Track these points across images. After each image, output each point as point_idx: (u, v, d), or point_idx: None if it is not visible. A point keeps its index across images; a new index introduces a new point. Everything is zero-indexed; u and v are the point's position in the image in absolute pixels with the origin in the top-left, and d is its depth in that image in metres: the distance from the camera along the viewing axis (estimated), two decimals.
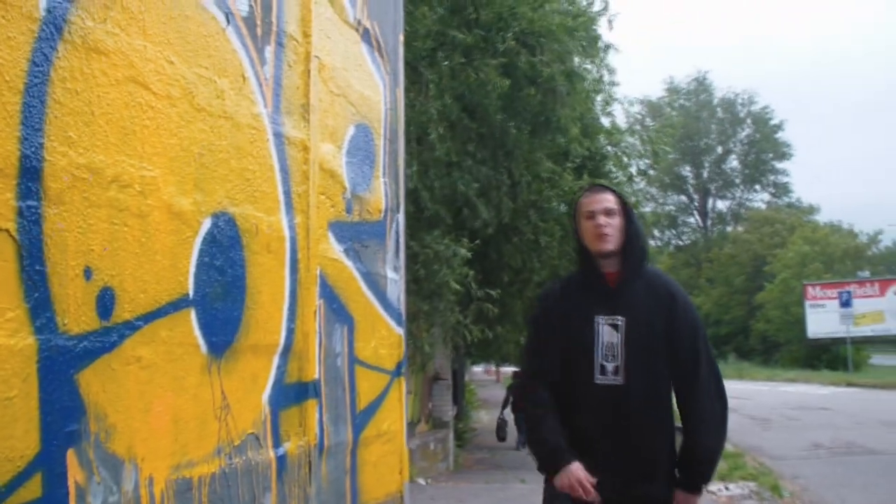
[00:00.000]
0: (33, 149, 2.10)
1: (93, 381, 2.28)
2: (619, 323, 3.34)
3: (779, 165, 66.60)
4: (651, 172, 18.75)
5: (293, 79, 3.53)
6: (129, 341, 2.44)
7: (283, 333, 3.35)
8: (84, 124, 2.28)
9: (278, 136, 3.38)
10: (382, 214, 4.48)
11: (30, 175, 2.08)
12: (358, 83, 4.23)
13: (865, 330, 42.00)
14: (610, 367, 3.32)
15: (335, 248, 3.87)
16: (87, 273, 2.28)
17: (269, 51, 3.34)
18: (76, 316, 2.23)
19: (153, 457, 2.53)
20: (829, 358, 42.96)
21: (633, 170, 17.67)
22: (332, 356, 3.79)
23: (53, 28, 2.18)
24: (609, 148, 17.19)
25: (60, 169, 2.18)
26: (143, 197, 2.52)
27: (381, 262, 4.44)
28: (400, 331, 4.67)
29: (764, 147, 65.82)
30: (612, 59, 15.74)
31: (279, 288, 3.34)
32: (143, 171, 2.52)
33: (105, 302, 2.35)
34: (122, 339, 2.41)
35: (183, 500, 2.66)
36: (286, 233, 3.40)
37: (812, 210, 63.41)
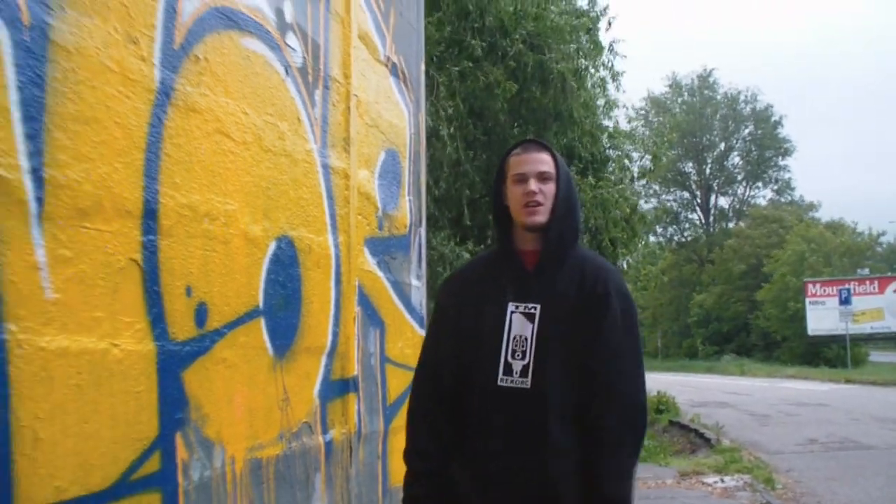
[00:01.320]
0: (152, 194, 2.65)
1: (192, 379, 2.84)
2: (534, 311, 2.75)
3: (781, 162, 66.70)
4: (651, 169, 19.13)
5: (336, 116, 4.08)
6: (218, 346, 3.00)
7: (330, 337, 3.91)
8: (185, 171, 2.83)
9: (325, 167, 3.93)
10: (407, 229, 5.02)
11: (149, 215, 2.64)
12: (387, 113, 4.77)
13: (865, 327, 42.37)
14: (517, 366, 2.72)
15: (370, 261, 4.42)
16: (188, 291, 2.84)
17: (318, 94, 3.89)
18: (180, 326, 2.79)
19: (234, 440, 3.08)
20: (829, 355, 43.29)
21: (636, 171, 18.17)
22: (367, 356, 4.35)
23: (164, 96, 2.73)
24: (611, 151, 17.68)
25: (169, 209, 2.74)
26: (227, 227, 3.07)
27: (406, 271, 4.99)
28: (422, 332, 5.21)
29: (766, 144, 65.84)
30: (615, 57, 16.20)
31: (326, 298, 3.89)
32: (227, 205, 3.08)
33: (200, 314, 2.90)
34: (213, 344, 2.97)
35: (255, 476, 3.22)
36: (332, 250, 3.95)
37: (812, 207, 63.50)
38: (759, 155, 66.45)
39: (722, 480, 10.67)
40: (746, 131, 67.48)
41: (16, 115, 2.11)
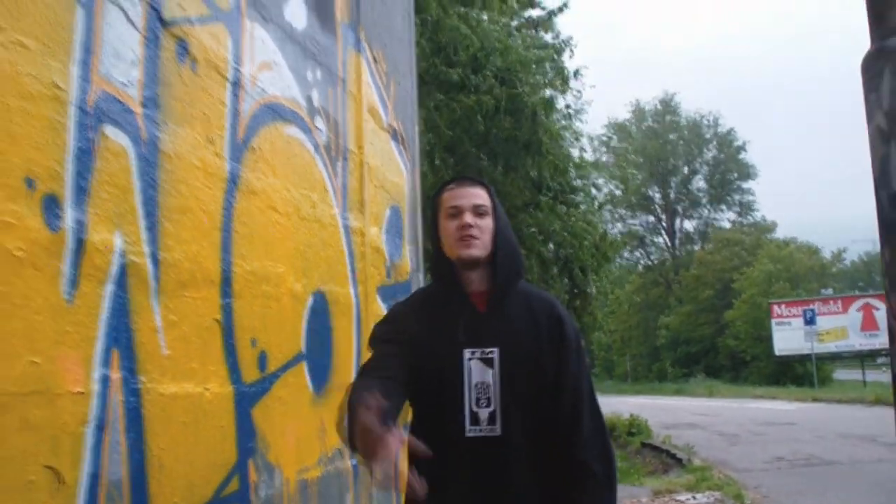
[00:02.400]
0: (227, 265, 3.26)
1: (258, 414, 3.44)
2: (493, 356, 2.64)
3: (744, 185, 67.40)
4: (618, 193, 19.85)
5: (353, 183, 4.70)
6: (275, 386, 3.61)
7: (353, 374, 4.51)
8: (248, 243, 3.44)
9: (346, 228, 4.55)
10: (409, 275, 5.64)
11: (226, 282, 3.24)
12: (390, 174, 5.40)
13: (830, 346, 43.02)
14: (484, 414, 2.62)
15: (381, 307, 5.03)
16: (253, 342, 3.44)
17: (339, 165, 4.51)
18: (249, 371, 3.39)
19: (287, 464, 3.68)
20: (796, 374, 43.98)
21: (602, 197, 18.89)
22: None
23: (233, 183, 3.34)
24: (578, 181, 18.36)
25: (239, 276, 3.34)
26: (277, 287, 3.68)
27: None
28: None
29: (729, 167, 66.53)
30: (582, 84, 17.03)
31: (350, 341, 4.51)
32: (277, 268, 3.69)
33: (262, 361, 3.51)
34: (271, 385, 3.58)
35: (303, 495, 3.82)
36: (353, 300, 4.57)
37: (771, 227, 64.08)
38: (722, 178, 67.10)
39: (694, 497, 11.07)
40: (710, 155, 68.07)
41: (140, 212, 2.72)
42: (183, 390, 2.90)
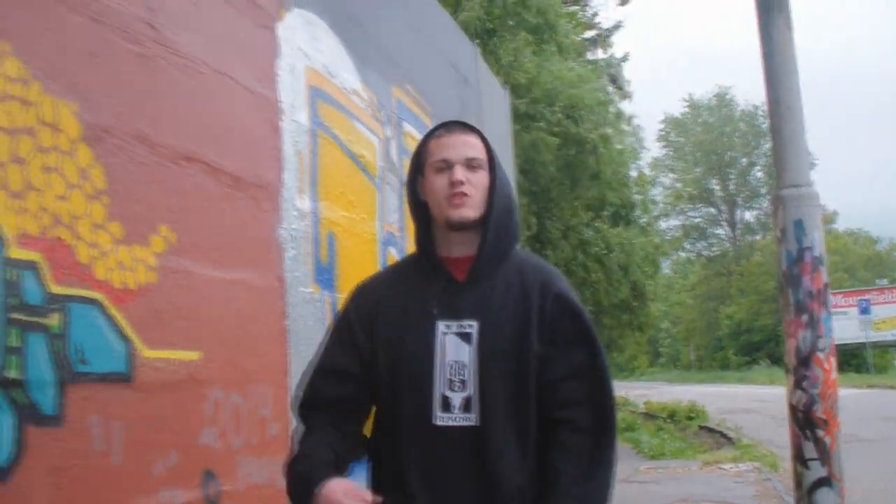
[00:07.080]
0: None
1: None
2: (471, 331, 2.22)
3: None
4: (678, 186, 21.86)
5: None
6: None
7: None
8: None
9: None
10: None
11: None
12: None
13: (886, 335, 43.98)
14: (457, 399, 2.19)
15: None
16: None
17: None
18: None
19: None
20: (857, 362, 44.55)
21: (658, 209, 21.14)
22: None
23: (382, 243, 5.66)
24: (637, 196, 20.45)
25: None
26: None
27: None
28: None
29: None
30: (634, 109, 19.38)
31: None
32: None
33: None
34: None
35: None
36: None
37: (832, 218, 63.79)
38: None
39: (736, 466, 12.66)
40: (767, 146, 67.77)
41: (330, 265, 5.15)
42: None
